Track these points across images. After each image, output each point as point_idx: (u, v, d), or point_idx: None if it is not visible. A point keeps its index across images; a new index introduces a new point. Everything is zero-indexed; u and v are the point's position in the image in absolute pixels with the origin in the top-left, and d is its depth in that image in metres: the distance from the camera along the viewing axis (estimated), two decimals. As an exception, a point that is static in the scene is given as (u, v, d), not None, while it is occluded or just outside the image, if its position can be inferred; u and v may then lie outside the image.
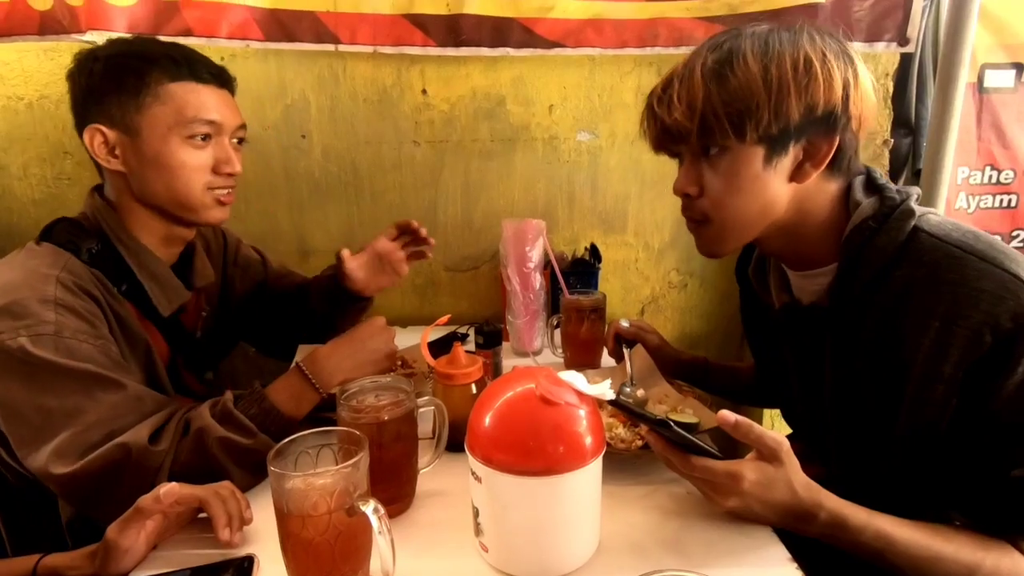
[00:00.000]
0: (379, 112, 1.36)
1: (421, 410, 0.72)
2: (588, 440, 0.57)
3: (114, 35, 1.17)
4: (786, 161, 0.65)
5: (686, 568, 0.52)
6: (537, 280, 1.21)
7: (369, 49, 1.25)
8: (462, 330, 1.30)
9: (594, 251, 1.33)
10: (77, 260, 0.80)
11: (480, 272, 1.46)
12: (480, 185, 1.40)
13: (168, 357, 0.90)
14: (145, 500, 0.60)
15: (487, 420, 0.58)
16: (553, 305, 1.26)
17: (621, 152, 1.40)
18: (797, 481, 0.61)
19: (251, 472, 0.75)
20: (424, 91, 1.35)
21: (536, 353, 1.23)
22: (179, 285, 0.89)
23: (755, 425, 0.61)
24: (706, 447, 0.61)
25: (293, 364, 0.84)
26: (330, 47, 1.24)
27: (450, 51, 1.24)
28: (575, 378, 0.60)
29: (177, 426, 0.73)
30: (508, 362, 1.13)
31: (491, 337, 1.00)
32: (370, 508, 0.52)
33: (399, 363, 1.03)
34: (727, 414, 0.61)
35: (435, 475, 0.74)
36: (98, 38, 1.18)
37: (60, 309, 0.73)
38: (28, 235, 1.40)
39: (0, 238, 1.41)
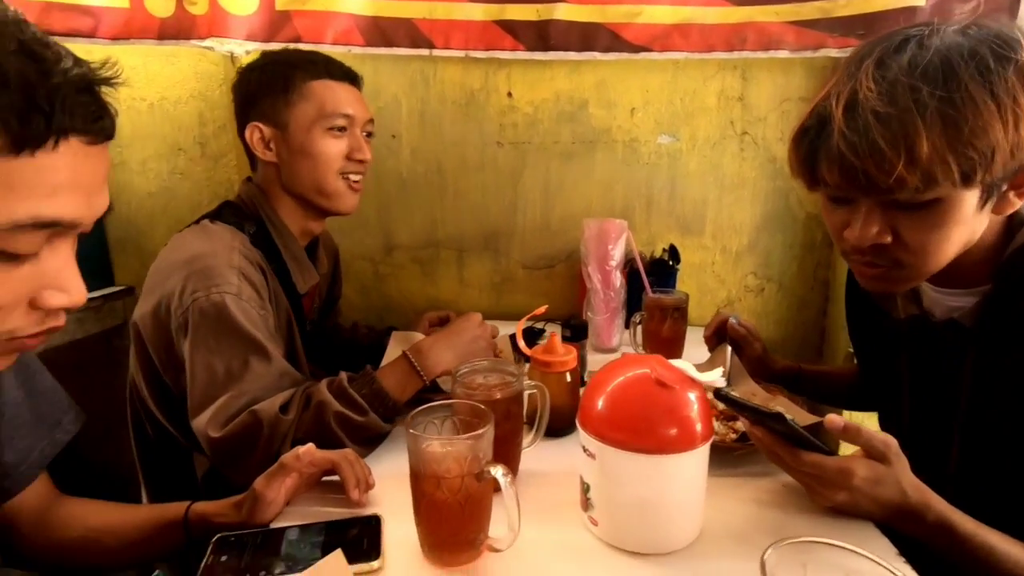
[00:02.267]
0: (466, 114, 1.42)
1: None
2: (699, 425, 0.59)
3: (232, 41, 1.28)
4: (995, 196, 0.61)
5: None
6: (617, 278, 1.24)
7: (461, 54, 1.31)
8: (538, 325, 1.34)
9: (673, 252, 1.34)
10: (246, 238, 0.91)
11: (555, 271, 1.50)
12: (559, 186, 1.44)
13: None
14: (288, 457, 0.66)
15: (602, 400, 0.61)
16: (630, 303, 1.28)
17: (701, 156, 1.41)
18: (906, 481, 0.62)
19: (362, 445, 0.81)
20: (509, 94, 1.40)
21: (614, 350, 1.25)
22: (312, 268, 1.00)
23: (863, 427, 0.62)
24: (816, 442, 0.62)
25: (400, 351, 0.91)
26: (424, 52, 1.31)
27: (538, 55, 1.29)
28: (685, 366, 0.63)
29: (300, 399, 0.80)
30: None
31: (578, 331, 1.03)
32: (499, 472, 0.56)
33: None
34: (835, 418, 0.63)
35: (531, 456, 0.78)
36: (217, 45, 1.29)
37: (241, 276, 0.83)
38: (143, 225, 1.55)
39: (119, 228, 1.56)
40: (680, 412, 0.59)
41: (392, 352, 1.05)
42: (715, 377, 0.63)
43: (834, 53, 1.21)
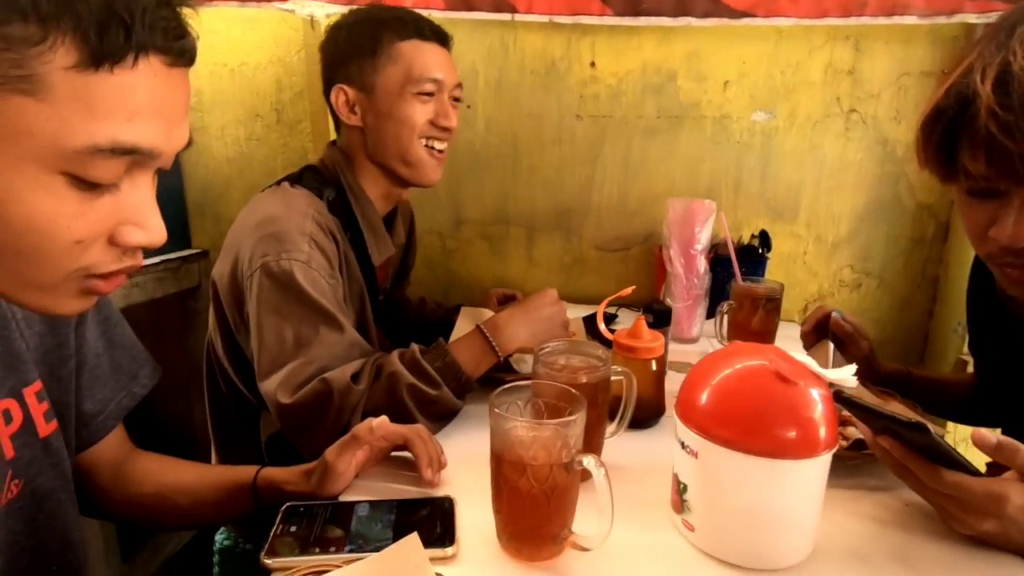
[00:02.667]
0: (544, 85, 1.35)
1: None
2: (823, 430, 0.52)
3: (313, 4, 1.25)
4: None
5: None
6: (702, 264, 1.15)
7: (545, 19, 1.23)
8: (610, 310, 1.27)
9: (764, 238, 1.24)
10: (324, 204, 0.88)
11: (630, 254, 1.42)
12: (640, 164, 1.36)
13: None
14: (360, 429, 0.63)
15: (708, 392, 0.54)
16: (713, 293, 1.19)
17: (800, 135, 1.29)
18: None
19: (434, 420, 0.77)
20: (592, 64, 1.32)
21: (694, 341, 1.17)
22: (388, 239, 0.97)
23: (1023, 447, 0.52)
24: (962, 459, 0.53)
25: (473, 325, 0.86)
26: (507, 16, 1.24)
27: (628, 21, 1.20)
28: (808, 361, 0.55)
29: (371, 369, 0.77)
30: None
31: (661, 317, 0.96)
32: (592, 463, 0.50)
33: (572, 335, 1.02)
34: (986, 434, 0.53)
35: (612, 449, 0.72)
36: (298, 8, 1.27)
37: (313, 244, 0.81)
38: (220, 189, 1.57)
39: (197, 192, 1.59)
40: (803, 412, 0.51)
41: (462, 327, 1.02)
42: (846, 375, 0.55)
43: (972, 19, 1.07)
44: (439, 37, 0.94)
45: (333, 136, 1.38)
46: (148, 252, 1.25)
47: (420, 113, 0.91)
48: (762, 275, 1.20)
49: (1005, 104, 0.51)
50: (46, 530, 0.57)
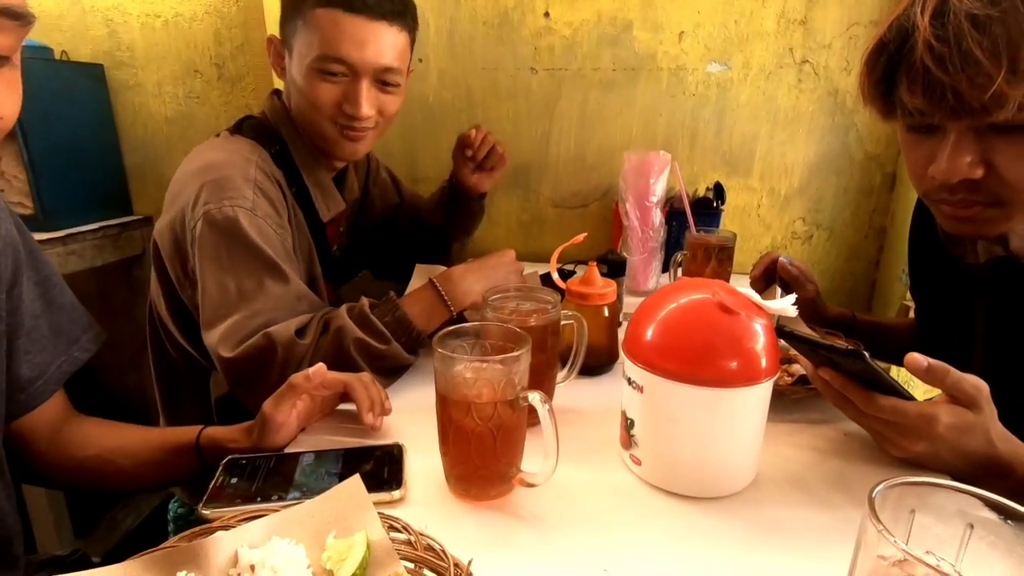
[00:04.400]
0: (498, 36, 1.31)
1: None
2: (764, 360, 0.52)
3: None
4: None
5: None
6: (657, 216, 1.15)
7: (495, -36, 1.19)
8: (568, 267, 1.27)
9: (718, 190, 1.25)
10: (266, 153, 0.84)
11: (589, 210, 1.41)
12: (597, 117, 1.34)
13: None
14: (296, 378, 0.61)
15: (654, 327, 0.54)
16: (669, 245, 1.20)
17: (754, 87, 1.29)
18: (995, 431, 0.54)
19: (383, 375, 0.75)
20: (547, 14, 1.29)
21: (649, 293, 1.17)
22: (337, 195, 0.93)
23: (952, 369, 0.54)
24: (897, 385, 0.55)
25: (426, 280, 0.84)
26: (456, -38, 1.20)
27: (581, -33, 1.17)
28: (751, 293, 0.55)
29: (318, 324, 0.75)
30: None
31: (616, 267, 0.96)
32: (536, 398, 0.50)
33: None
34: (918, 357, 0.55)
35: (564, 394, 0.72)
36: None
37: (257, 190, 0.77)
38: (161, 151, 1.49)
39: (136, 154, 1.50)
40: (744, 342, 0.52)
41: (415, 285, 1.00)
42: (786, 305, 0.55)
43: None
44: (373, 10, 0.79)
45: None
46: (85, 218, 1.18)
47: (325, 93, 0.82)
48: (717, 227, 1.21)
49: (940, 36, 0.51)
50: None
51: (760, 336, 0.52)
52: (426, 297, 0.81)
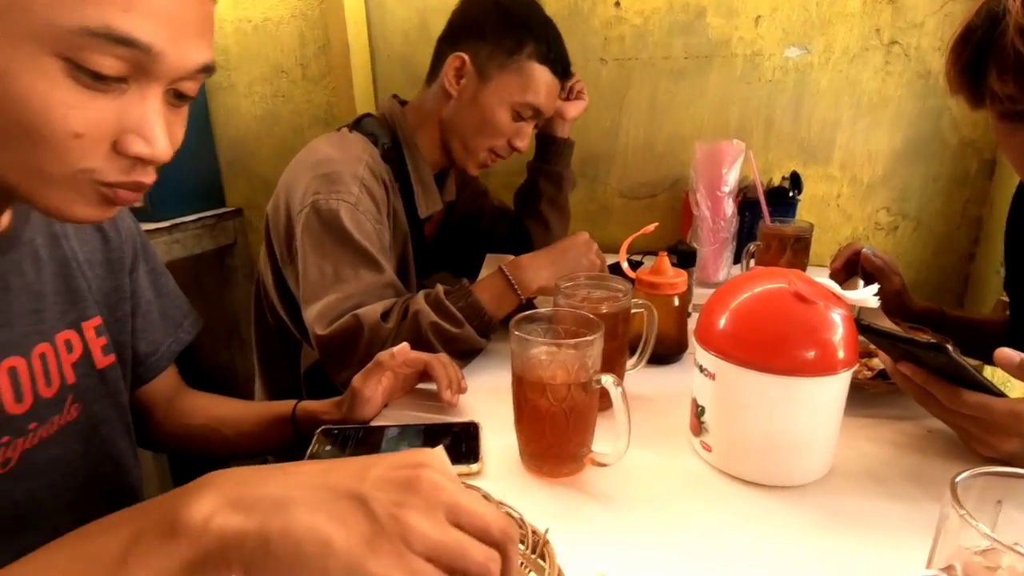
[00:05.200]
0: (567, 28, 1.31)
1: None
2: (841, 351, 0.52)
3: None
4: None
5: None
6: (729, 206, 1.13)
7: (567, -43, 1.20)
8: (636, 258, 1.27)
9: (795, 180, 1.20)
10: (377, 152, 0.92)
11: (657, 201, 1.40)
12: (667, 106, 1.32)
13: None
14: (382, 356, 0.66)
15: (727, 315, 0.55)
16: (740, 237, 1.17)
17: (835, 71, 1.23)
18: None
19: (457, 357, 0.79)
20: (617, 3, 1.28)
21: (720, 285, 1.16)
22: (437, 194, 1.01)
23: None
24: (984, 381, 0.53)
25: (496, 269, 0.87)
26: (528, -44, 1.21)
27: (653, -45, 1.16)
28: (829, 283, 0.55)
29: (400, 309, 0.80)
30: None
31: (686, 257, 0.96)
32: (610, 381, 0.52)
33: None
34: (1010, 352, 0.52)
35: (633, 382, 0.73)
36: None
37: (363, 188, 0.85)
38: (251, 147, 1.60)
39: (229, 151, 1.62)
40: (821, 332, 0.51)
41: (485, 272, 1.04)
42: (867, 296, 0.54)
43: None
44: (565, 75, 1.00)
45: (355, 90, 1.40)
46: (186, 210, 1.30)
47: (508, 128, 0.97)
48: (792, 218, 1.18)
49: None
50: (100, 453, 0.62)
51: (838, 326, 0.52)
52: (496, 284, 0.85)
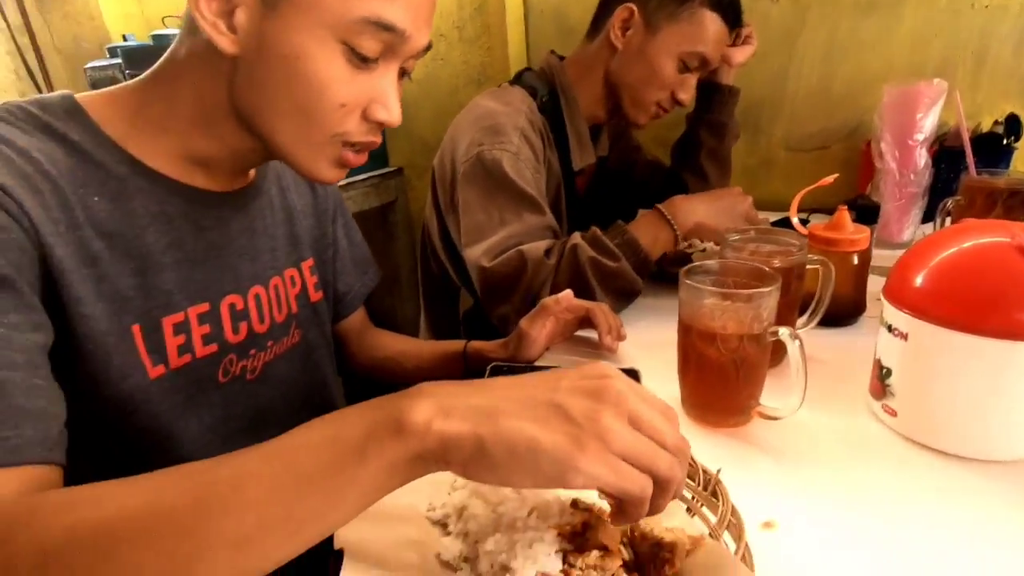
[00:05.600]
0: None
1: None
2: (1075, 312, 0.45)
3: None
4: None
5: None
6: (922, 157, 1.00)
7: None
8: (802, 215, 1.17)
9: (1012, 124, 1.03)
10: (535, 104, 0.97)
11: (828, 153, 1.27)
12: (849, 46, 1.19)
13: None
14: (548, 301, 0.70)
15: (928, 270, 0.50)
16: (933, 193, 1.03)
17: (1080, -13, 1.01)
18: None
19: (615, 296, 0.82)
20: (795, -68, 1.16)
21: (904, 246, 1.04)
22: (591, 148, 1.03)
23: None
24: None
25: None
26: None
27: None
28: (1064, 237, 0.47)
29: (560, 247, 0.84)
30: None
31: (866, 213, 0.87)
32: (786, 333, 0.51)
33: None
34: None
35: (805, 342, 0.70)
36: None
37: (523, 138, 0.90)
38: (411, 110, 1.71)
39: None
40: (1050, 292, 0.45)
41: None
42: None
43: None
44: (736, 22, 0.98)
45: (509, 48, 1.43)
46: (357, 170, 1.42)
47: (672, 80, 0.95)
48: (1006, 169, 1.01)
49: None
50: (314, 374, 0.74)
51: (1074, 287, 0.45)
52: (651, 220, 0.86)
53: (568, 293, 0.70)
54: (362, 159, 0.55)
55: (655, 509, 0.35)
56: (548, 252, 0.83)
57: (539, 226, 0.86)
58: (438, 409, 0.33)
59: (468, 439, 0.32)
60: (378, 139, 0.54)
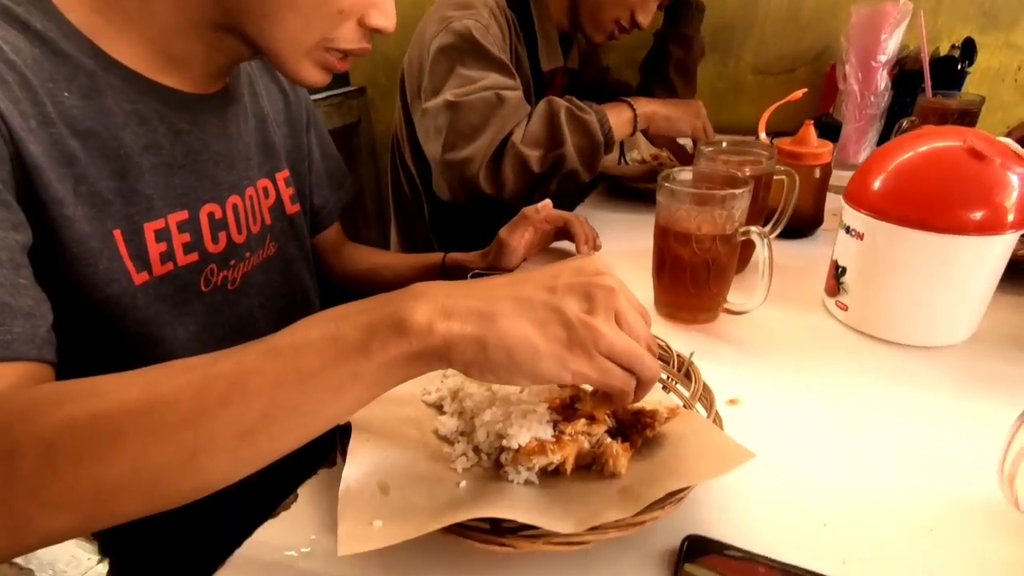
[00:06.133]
0: None
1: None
2: (1013, 213, 0.50)
3: None
4: None
5: None
6: (883, 79, 1.03)
7: None
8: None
9: (967, 48, 1.06)
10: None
11: (794, 76, 1.29)
12: (821, -35, 1.18)
13: None
14: (528, 209, 0.72)
15: (887, 173, 0.54)
16: (890, 115, 1.08)
17: (1044, -90, 1.03)
18: None
19: (580, 151, 0.85)
20: None
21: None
22: (559, 50, 1.03)
23: None
24: None
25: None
26: None
27: None
28: (1011, 142, 0.51)
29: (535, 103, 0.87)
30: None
31: (829, 132, 0.91)
32: (756, 232, 0.54)
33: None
34: None
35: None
36: None
37: (492, 16, 0.89)
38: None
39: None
40: (994, 190, 0.50)
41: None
42: (1055, 153, 0.51)
43: None
44: None
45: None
46: (316, 89, 1.34)
47: (634, 0, 0.95)
48: (959, 92, 1.06)
49: None
50: (293, 285, 0.74)
51: (1014, 187, 0.50)
52: (615, 104, 0.91)
53: (547, 203, 0.72)
54: (346, 65, 0.54)
55: (636, 399, 0.38)
56: (525, 98, 0.85)
57: (513, 84, 0.87)
58: (439, 310, 0.33)
59: (470, 341, 0.33)
60: (370, 46, 0.53)
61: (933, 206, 0.51)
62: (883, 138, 1.07)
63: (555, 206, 0.76)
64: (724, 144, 0.71)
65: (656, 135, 0.97)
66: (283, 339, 0.34)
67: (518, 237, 0.72)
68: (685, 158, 1.02)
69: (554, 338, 0.34)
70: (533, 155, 0.84)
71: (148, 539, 0.64)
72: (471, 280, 0.38)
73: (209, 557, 0.38)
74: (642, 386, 0.37)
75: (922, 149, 0.53)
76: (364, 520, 0.34)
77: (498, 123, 0.82)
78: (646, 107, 0.91)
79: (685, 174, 0.61)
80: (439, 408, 0.46)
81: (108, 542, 0.66)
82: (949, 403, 0.50)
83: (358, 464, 0.38)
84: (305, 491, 0.42)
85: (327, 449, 0.44)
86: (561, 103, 0.84)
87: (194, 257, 0.56)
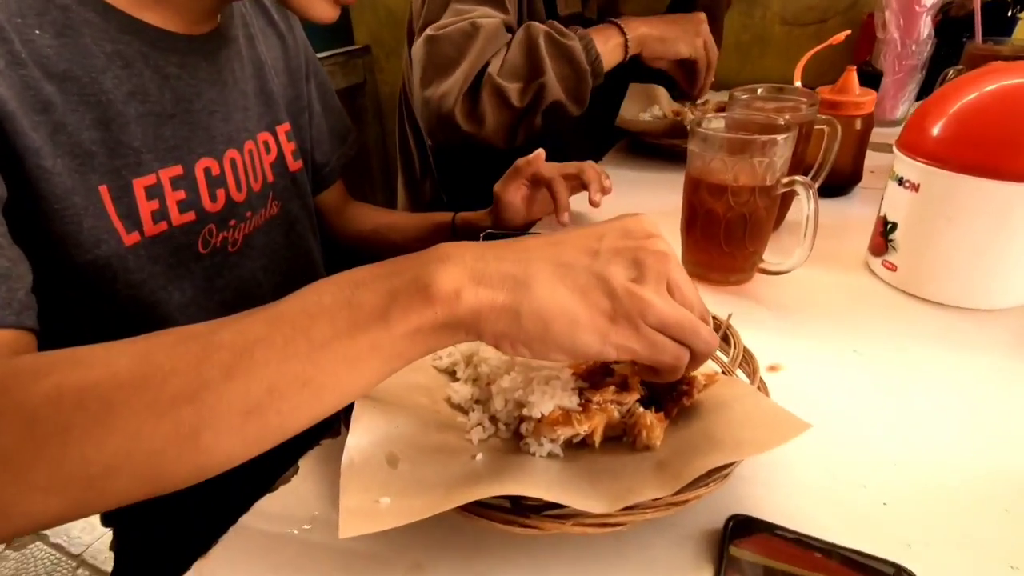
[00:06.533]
0: None
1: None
2: (1094, 155, 0.44)
3: None
4: None
5: None
6: (926, 26, 0.95)
7: None
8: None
9: (1021, -9, 0.98)
10: None
11: (826, 27, 1.21)
12: (860, -98, 1.09)
13: None
14: (520, 161, 0.67)
15: (948, 116, 0.48)
16: (933, 67, 1.00)
17: None
18: None
19: (563, 80, 0.78)
20: None
21: (896, 123, 1.02)
22: None
23: None
24: None
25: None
26: None
27: None
28: (1094, 76, 0.45)
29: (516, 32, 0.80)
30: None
31: (870, 79, 0.84)
32: (801, 182, 0.49)
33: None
34: None
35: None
36: None
37: None
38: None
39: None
40: (1075, 132, 0.44)
41: (629, 103, 1.00)
42: None
43: None
44: None
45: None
46: (318, 45, 1.30)
47: None
48: (1009, 38, 0.98)
49: None
50: (297, 246, 0.70)
51: (1098, 127, 0.44)
52: (602, 26, 0.83)
53: (540, 152, 0.67)
54: None
55: (687, 373, 0.34)
56: (507, 30, 0.78)
57: (497, 19, 0.79)
58: (467, 274, 0.29)
59: (503, 310, 0.29)
60: None
61: (1002, 150, 0.45)
62: (923, 92, 1.00)
63: (548, 157, 0.69)
64: (760, 91, 0.66)
65: (652, 59, 0.88)
66: (291, 305, 0.30)
67: (512, 191, 0.68)
68: (690, 82, 0.94)
69: (596, 308, 0.30)
70: (512, 87, 0.76)
71: (148, 508, 0.62)
72: (501, 241, 0.33)
73: (209, 528, 0.35)
74: (695, 360, 0.33)
75: (990, 88, 0.47)
76: (370, 496, 0.30)
77: (474, 54, 0.74)
78: (637, 29, 0.82)
79: (718, 121, 0.55)
80: (451, 374, 0.42)
81: (109, 511, 0.64)
82: (1012, 370, 0.45)
83: (363, 433, 0.34)
84: (307, 463, 0.39)
85: (332, 417, 0.40)
86: (540, 28, 0.76)
87: (190, 216, 0.52)
